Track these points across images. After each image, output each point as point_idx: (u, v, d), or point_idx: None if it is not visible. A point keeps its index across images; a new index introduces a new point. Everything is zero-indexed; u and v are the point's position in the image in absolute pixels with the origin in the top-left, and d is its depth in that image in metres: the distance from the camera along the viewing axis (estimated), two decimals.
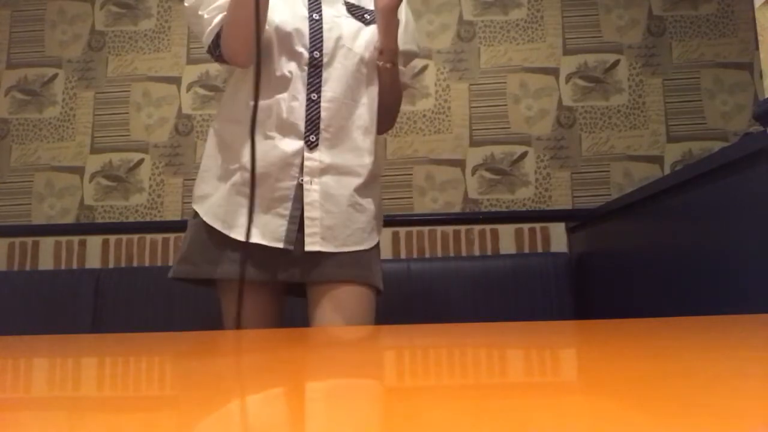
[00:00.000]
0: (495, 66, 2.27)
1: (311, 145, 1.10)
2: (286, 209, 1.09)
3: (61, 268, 2.22)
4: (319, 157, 1.10)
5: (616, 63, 2.26)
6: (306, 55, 1.11)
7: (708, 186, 1.13)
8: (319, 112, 1.10)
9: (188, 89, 2.32)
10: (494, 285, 1.97)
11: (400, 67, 1.22)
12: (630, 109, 2.23)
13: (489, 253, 2.15)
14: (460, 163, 2.21)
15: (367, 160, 1.15)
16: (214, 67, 2.32)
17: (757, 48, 1.80)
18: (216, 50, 1.11)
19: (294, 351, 0.46)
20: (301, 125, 1.09)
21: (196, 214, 1.17)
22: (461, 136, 2.23)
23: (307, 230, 1.09)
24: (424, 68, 2.28)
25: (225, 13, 1.07)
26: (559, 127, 2.23)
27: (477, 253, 2.15)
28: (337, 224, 1.11)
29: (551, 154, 2.21)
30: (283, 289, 1.22)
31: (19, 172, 2.30)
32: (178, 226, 2.21)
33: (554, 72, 2.27)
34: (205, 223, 1.13)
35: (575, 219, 2.09)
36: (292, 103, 1.09)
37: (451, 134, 2.23)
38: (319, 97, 1.10)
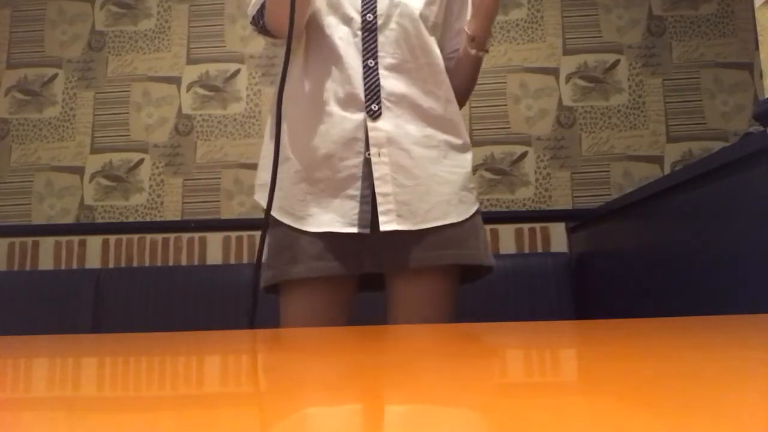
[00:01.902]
0: (495, 66, 2.27)
1: (374, 115, 0.99)
2: (356, 189, 0.98)
3: (61, 268, 2.22)
4: (385, 126, 0.99)
5: (616, 63, 2.26)
6: (358, 18, 1.01)
7: (708, 186, 1.13)
8: (378, 79, 1.00)
9: (188, 89, 2.32)
10: (494, 285, 1.97)
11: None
12: (630, 109, 2.23)
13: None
14: None
15: (439, 129, 1.03)
16: (214, 67, 2.32)
17: (757, 48, 1.80)
18: (260, 21, 1.03)
19: (294, 351, 0.46)
20: (361, 95, 0.99)
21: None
22: None
23: (380, 208, 0.97)
24: None
25: None
26: (559, 127, 2.23)
27: None
28: (414, 198, 0.98)
29: (551, 154, 2.21)
30: (356, 287, 1.09)
31: (19, 172, 2.30)
32: (178, 226, 2.21)
33: (554, 72, 2.27)
34: (274, 218, 1.03)
35: (575, 219, 2.09)
36: (348, 72, 0.99)
37: None
38: (377, 63, 1.00)
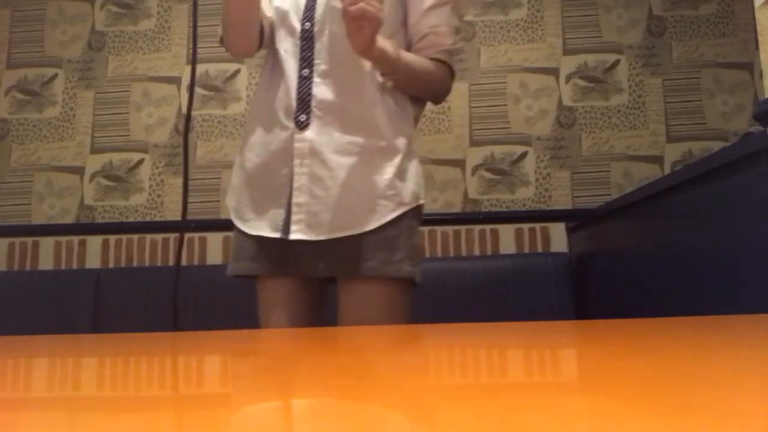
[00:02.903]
0: (495, 66, 2.27)
1: (301, 126, 1.02)
2: (284, 197, 1.04)
3: (61, 268, 2.22)
4: (309, 137, 1.02)
5: (616, 63, 2.26)
6: (298, 28, 1.05)
7: (708, 186, 1.13)
8: (311, 88, 1.03)
9: (188, 89, 2.32)
10: (494, 285, 1.97)
11: (440, 28, 1.09)
12: (630, 109, 2.23)
13: (489, 253, 2.15)
14: (460, 163, 2.21)
15: (367, 135, 1.03)
16: (214, 67, 2.32)
17: (757, 48, 1.80)
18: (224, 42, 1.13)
19: (293, 352, 0.46)
20: (293, 105, 1.03)
21: None
22: (461, 136, 2.23)
23: (293, 217, 1.02)
24: None
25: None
26: (559, 127, 2.23)
27: (477, 253, 2.15)
28: (322, 209, 1.01)
29: (551, 154, 2.21)
30: (321, 284, 1.13)
31: (19, 172, 2.30)
32: (178, 226, 2.21)
33: (554, 72, 2.27)
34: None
35: (575, 219, 2.09)
36: (288, 83, 1.04)
37: (451, 134, 2.23)
38: (312, 71, 1.03)
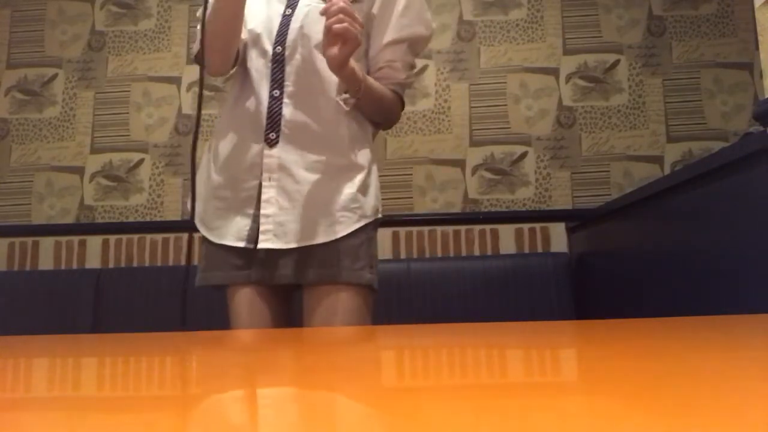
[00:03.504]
0: (495, 66, 2.27)
1: (271, 143, 1.09)
2: (251, 209, 1.10)
3: (61, 268, 2.22)
4: (278, 153, 1.09)
5: (616, 63, 2.26)
6: (271, 51, 1.11)
7: (708, 186, 1.13)
8: (281, 108, 1.09)
9: (188, 89, 2.32)
10: (494, 285, 1.97)
11: (394, 63, 1.16)
12: (630, 109, 2.23)
13: (489, 253, 2.15)
14: (460, 163, 2.21)
15: (330, 153, 1.11)
16: None
17: (757, 48, 1.80)
18: (199, 60, 1.15)
19: (293, 351, 0.46)
20: (263, 124, 1.09)
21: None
22: (461, 136, 2.23)
23: (261, 227, 1.08)
24: (424, 68, 2.28)
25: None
26: (559, 127, 2.23)
27: (477, 253, 2.15)
28: (289, 220, 1.08)
29: (551, 154, 2.21)
30: (286, 292, 1.19)
31: (19, 172, 2.30)
32: (178, 226, 2.21)
33: (554, 72, 2.27)
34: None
35: (575, 219, 2.09)
36: (258, 102, 1.10)
37: (451, 134, 2.23)
38: (282, 93, 1.10)
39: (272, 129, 1.09)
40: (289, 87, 1.10)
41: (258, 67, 1.11)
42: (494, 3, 2.31)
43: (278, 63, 1.10)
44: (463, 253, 2.15)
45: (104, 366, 0.38)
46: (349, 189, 1.12)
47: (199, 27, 1.10)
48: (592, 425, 0.19)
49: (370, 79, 1.12)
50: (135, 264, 2.22)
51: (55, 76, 2.36)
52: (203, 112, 2.30)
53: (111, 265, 2.22)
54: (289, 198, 1.09)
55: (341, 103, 1.11)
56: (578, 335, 0.50)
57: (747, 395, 0.23)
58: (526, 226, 2.17)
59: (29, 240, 2.25)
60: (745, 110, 2.19)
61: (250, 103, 1.11)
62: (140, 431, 0.20)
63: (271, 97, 1.10)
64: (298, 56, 1.10)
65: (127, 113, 2.32)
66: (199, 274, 1.16)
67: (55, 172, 2.29)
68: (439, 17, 2.31)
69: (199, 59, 1.13)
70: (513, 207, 2.18)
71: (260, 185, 1.10)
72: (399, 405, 0.24)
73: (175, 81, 2.33)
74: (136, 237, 2.23)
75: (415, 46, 1.19)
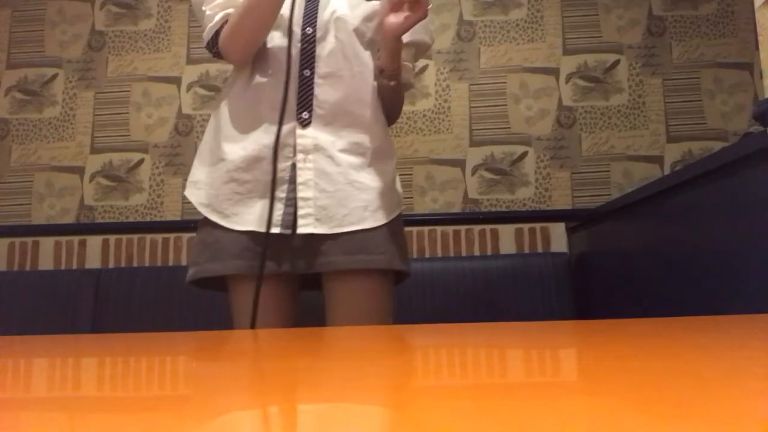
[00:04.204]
0: (495, 66, 2.27)
1: (304, 123, 1.05)
2: (282, 192, 1.04)
3: (61, 268, 2.22)
4: (313, 134, 1.05)
5: (616, 63, 2.26)
6: (299, 32, 1.08)
7: (708, 186, 1.13)
8: (313, 88, 1.06)
9: (188, 89, 2.32)
10: (494, 285, 1.97)
11: (406, 63, 1.17)
12: (630, 109, 2.23)
13: (489, 253, 2.15)
14: (460, 163, 2.21)
15: (367, 136, 1.09)
16: (215, 67, 2.32)
17: (757, 48, 1.80)
18: (214, 47, 1.11)
19: (292, 351, 0.46)
20: (294, 104, 1.06)
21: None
22: (461, 136, 2.23)
23: (300, 212, 1.03)
24: (424, 68, 2.28)
25: (227, 11, 1.08)
26: (559, 127, 2.23)
27: (477, 253, 2.15)
28: (333, 203, 1.04)
29: (551, 154, 2.21)
30: (297, 283, 1.14)
31: (19, 172, 2.30)
32: (178, 226, 2.21)
33: (554, 72, 2.27)
34: (203, 216, 1.10)
35: (575, 219, 2.09)
36: (285, 81, 1.05)
37: (451, 134, 2.23)
38: (313, 73, 1.07)
39: (305, 108, 1.06)
40: (321, 68, 1.07)
41: (281, 47, 1.08)
42: (494, 3, 2.31)
43: (309, 44, 1.08)
44: (463, 253, 2.15)
45: (104, 366, 0.38)
46: (387, 175, 1.11)
47: (220, 14, 1.07)
48: (592, 425, 0.19)
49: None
50: (135, 264, 2.22)
51: (55, 76, 2.36)
52: (202, 112, 2.30)
53: (111, 265, 2.22)
54: (329, 180, 1.04)
55: (384, 81, 1.09)
56: (578, 335, 0.50)
57: (747, 395, 0.23)
58: (526, 226, 2.16)
59: (29, 240, 2.25)
60: (745, 110, 2.19)
61: (271, 83, 1.07)
62: (140, 431, 0.20)
63: (302, 76, 1.07)
64: (331, 38, 1.08)
65: (127, 113, 2.32)
66: (199, 265, 1.08)
67: (55, 172, 2.29)
68: (439, 17, 2.31)
69: (212, 46, 1.10)
70: (513, 207, 2.18)
71: (292, 167, 1.05)
72: (399, 405, 0.24)
73: (175, 81, 2.33)
74: (136, 237, 2.23)
75: (419, 52, 1.20)
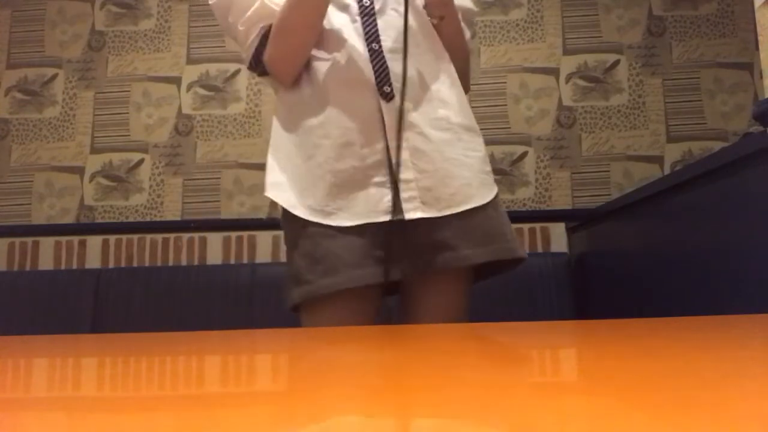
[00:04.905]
0: (495, 66, 2.27)
1: (387, 97, 0.94)
2: (384, 176, 0.93)
3: (61, 268, 2.22)
4: (398, 109, 0.94)
5: (616, 63, 2.26)
6: (355, 5, 0.99)
7: (708, 186, 1.13)
8: (385, 61, 0.96)
9: (188, 89, 2.32)
10: (494, 285, 1.97)
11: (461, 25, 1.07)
12: (630, 109, 2.23)
13: None
14: None
15: (452, 110, 0.99)
16: (215, 67, 2.32)
17: (757, 48, 1.80)
18: (258, 65, 1.00)
19: (293, 351, 0.46)
20: (371, 78, 0.95)
21: (284, 212, 0.99)
22: None
23: (403, 195, 0.92)
24: None
25: (264, 23, 0.97)
26: (559, 127, 2.23)
27: None
28: (436, 183, 0.93)
29: (551, 154, 2.21)
30: (383, 290, 1.00)
31: (19, 172, 2.30)
32: (178, 226, 2.21)
33: (554, 72, 2.27)
34: (303, 221, 0.95)
35: (575, 219, 2.09)
36: (353, 56, 0.95)
37: None
38: (380, 46, 0.96)
39: (384, 82, 0.95)
40: (387, 41, 0.97)
41: (341, 21, 0.98)
42: (494, 3, 2.31)
43: (369, 16, 0.98)
44: None
45: (104, 366, 0.38)
46: (479, 151, 1.00)
47: (257, 27, 0.97)
48: (592, 425, 0.19)
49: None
50: (135, 264, 2.21)
51: (55, 76, 2.35)
52: (203, 112, 2.30)
53: (111, 265, 2.22)
54: (426, 159, 0.94)
55: (431, 20, 0.99)
56: (578, 335, 0.50)
57: (747, 395, 0.23)
58: (526, 226, 2.16)
59: (29, 240, 2.25)
60: (745, 110, 2.19)
61: (342, 59, 0.96)
62: (140, 431, 0.20)
63: (371, 50, 0.96)
64: (391, 11, 0.99)
65: (127, 113, 2.31)
66: (310, 284, 0.91)
67: (55, 172, 2.29)
68: None
69: (255, 65, 1.00)
70: (513, 207, 2.18)
71: (385, 148, 0.94)
72: (398, 405, 0.24)
73: (175, 81, 2.33)
74: (136, 237, 2.23)
75: (465, 20, 1.09)
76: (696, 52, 2.25)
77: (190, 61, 2.33)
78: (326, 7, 0.94)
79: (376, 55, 0.95)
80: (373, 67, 0.95)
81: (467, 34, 1.09)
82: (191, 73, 2.33)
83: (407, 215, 0.91)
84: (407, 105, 0.95)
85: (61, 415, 0.24)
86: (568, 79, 2.26)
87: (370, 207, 0.92)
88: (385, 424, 0.21)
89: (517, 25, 2.30)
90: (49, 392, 0.29)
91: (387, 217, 0.91)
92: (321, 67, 0.97)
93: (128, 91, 2.33)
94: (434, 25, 1.01)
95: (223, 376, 0.34)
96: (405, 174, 0.92)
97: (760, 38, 1.08)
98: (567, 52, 2.28)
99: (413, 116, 0.95)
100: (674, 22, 2.27)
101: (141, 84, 2.33)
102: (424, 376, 0.31)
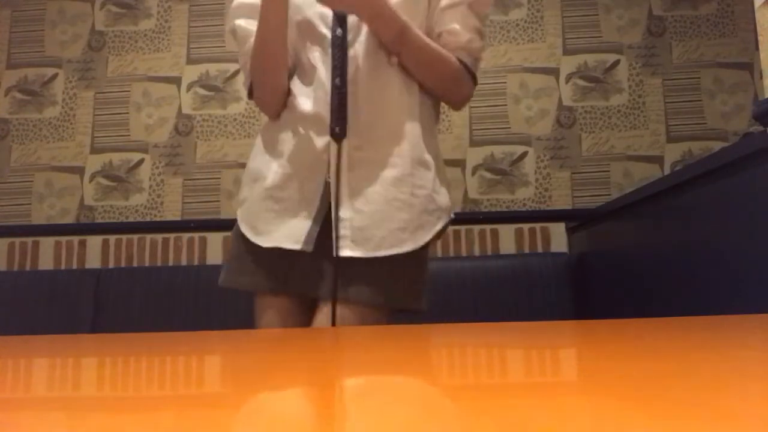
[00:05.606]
0: (495, 66, 2.27)
1: (337, 137, 0.97)
2: (312, 212, 0.99)
3: (61, 268, 2.22)
4: (347, 149, 0.97)
5: (616, 63, 2.26)
6: (329, 35, 0.99)
7: (708, 186, 1.13)
8: (346, 98, 0.97)
9: (188, 89, 2.32)
10: (494, 285, 1.97)
11: (454, 26, 1.03)
12: (630, 109, 2.23)
13: (489, 253, 2.15)
14: (460, 163, 2.21)
15: (406, 146, 0.99)
16: (215, 67, 2.32)
17: (757, 48, 1.80)
18: (251, 98, 1.08)
19: (294, 351, 0.46)
20: (327, 116, 0.97)
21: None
22: (461, 136, 2.23)
23: (339, 232, 0.96)
24: None
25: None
26: (559, 127, 2.23)
27: (477, 253, 2.15)
28: (370, 225, 0.96)
29: (551, 154, 2.21)
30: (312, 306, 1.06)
31: (19, 172, 2.30)
32: (178, 226, 2.21)
33: (554, 72, 2.27)
34: (237, 228, 1.07)
35: (575, 219, 2.09)
36: (317, 92, 0.98)
37: (451, 134, 2.23)
38: (345, 81, 0.97)
39: (337, 122, 0.97)
40: (353, 73, 0.98)
41: (314, 54, 1.00)
42: (494, 3, 2.31)
43: (339, 48, 0.98)
44: (463, 253, 2.15)
45: (104, 366, 0.38)
46: (427, 188, 1.00)
47: (248, 68, 1.03)
48: (592, 425, 0.19)
49: (421, 34, 0.99)
50: (135, 264, 2.22)
51: (55, 76, 2.36)
52: (203, 112, 2.30)
53: (111, 265, 2.22)
54: (365, 200, 0.97)
55: (391, 60, 0.99)
56: (578, 335, 0.50)
57: (747, 395, 0.23)
58: (526, 226, 2.16)
59: (29, 240, 2.25)
60: (745, 110, 2.19)
61: (308, 94, 1.00)
62: (140, 431, 0.20)
63: (333, 86, 0.97)
64: (362, 39, 0.99)
65: (127, 113, 2.32)
66: (228, 274, 1.07)
67: (55, 172, 2.29)
68: None
69: (249, 97, 1.07)
70: (513, 207, 2.18)
71: (326, 184, 0.98)
72: (398, 405, 0.24)
73: (175, 81, 2.33)
74: (136, 237, 2.23)
75: (476, 6, 1.05)
76: (696, 52, 2.25)
77: (190, 61, 2.34)
78: (280, 31, 0.97)
79: (337, 90, 0.98)
80: (331, 104, 0.98)
81: (466, 35, 1.05)
82: (191, 73, 2.33)
83: (340, 252, 0.96)
84: (354, 143, 0.98)
85: (61, 415, 0.24)
86: (568, 79, 2.26)
87: (288, 235, 0.99)
88: (390, 426, 0.21)
89: (517, 25, 2.30)
90: (49, 392, 0.29)
91: (297, 246, 0.98)
92: (292, 99, 1.02)
93: (128, 91, 2.33)
94: (398, 60, 1.00)
95: (224, 376, 0.34)
96: (342, 212, 0.97)
97: (760, 38, 1.08)
98: (567, 52, 2.28)
99: (359, 155, 0.98)
100: (674, 22, 2.27)
101: (141, 84, 2.33)
102: (422, 375, 0.31)
